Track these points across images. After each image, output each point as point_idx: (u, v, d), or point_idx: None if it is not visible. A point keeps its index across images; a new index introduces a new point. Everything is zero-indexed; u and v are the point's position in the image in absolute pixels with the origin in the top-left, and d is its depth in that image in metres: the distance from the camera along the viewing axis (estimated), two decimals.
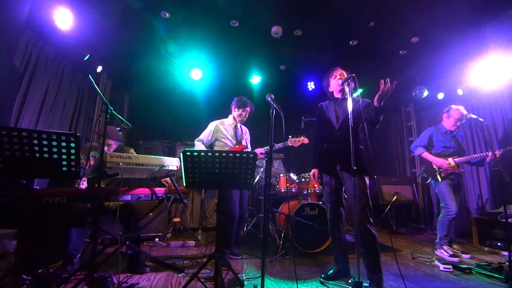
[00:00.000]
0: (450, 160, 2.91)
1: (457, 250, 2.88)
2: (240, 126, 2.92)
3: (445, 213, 2.85)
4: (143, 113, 4.80)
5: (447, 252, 2.74)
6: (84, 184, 2.16)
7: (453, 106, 3.05)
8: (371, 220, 1.89)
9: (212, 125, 2.79)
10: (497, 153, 2.71)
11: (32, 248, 1.97)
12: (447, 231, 2.84)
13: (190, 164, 1.66)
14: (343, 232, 2.18)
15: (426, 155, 3.08)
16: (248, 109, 2.81)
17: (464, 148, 3.06)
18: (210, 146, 2.78)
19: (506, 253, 2.81)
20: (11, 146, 1.34)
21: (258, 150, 2.76)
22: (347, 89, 2.15)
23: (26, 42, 2.78)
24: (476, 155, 2.90)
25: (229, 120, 2.87)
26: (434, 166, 3.01)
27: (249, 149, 2.98)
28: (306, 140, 2.95)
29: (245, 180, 1.76)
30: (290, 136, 2.93)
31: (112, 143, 2.47)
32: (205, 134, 2.76)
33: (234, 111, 2.82)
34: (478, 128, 3.94)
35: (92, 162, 2.16)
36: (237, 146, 2.78)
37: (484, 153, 2.86)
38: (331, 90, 2.28)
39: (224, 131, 2.76)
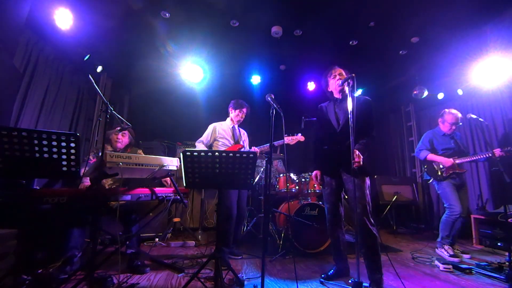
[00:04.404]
0: (454, 161, 2.92)
1: (457, 250, 2.87)
2: (238, 128, 3.00)
3: (449, 213, 2.82)
4: (143, 113, 4.79)
5: (448, 252, 2.73)
6: (87, 181, 2.17)
7: (447, 110, 3.05)
8: (372, 221, 1.89)
9: (210, 127, 2.90)
10: (497, 153, 2.68)
11: (32, 248, 1.97)
12: (449, 232, 2.81)
13: (190, 164, 1.66)
14: (342, 232, 2.18)
15: (432, 156, 3.06)
16: (244, 109, 2.92)
17: (463, 149, 3.05)
18: (210, 146, 2.87)
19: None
20: (11, 146, 1.34)
21: (253, 149, 2.83)
22: (346, 89, 2.15)
23: (26, 42, 2.78)
24: (479, 156, 2.85)
25: (227, 122, 2.97)
26: (436, 167, 3.01)
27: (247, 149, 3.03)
28: (302, 138, 2.97)
29: (245, 180, 1.76)
30: (285, 135, 2.94)
31: (126, 132, 2.55)
32: (205, 136, 2.87)
33: (231, 113, 2.94)
34: (478, 128, 3.93)
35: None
36: (233, 146, 2.85)
37: (487, 154, 2.78)
38: (330, 90, 2.27)
39: (222, 132, 2.86)
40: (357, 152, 1.87)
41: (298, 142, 3.00)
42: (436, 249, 2.89)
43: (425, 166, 3.14)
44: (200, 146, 2.81)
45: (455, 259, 2.63)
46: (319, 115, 2.32)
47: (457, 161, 2.91)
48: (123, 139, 2.51)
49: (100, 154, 2.16)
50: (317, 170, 2.26)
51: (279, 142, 2.91)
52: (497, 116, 3.73)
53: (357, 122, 1.96)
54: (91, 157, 2.22)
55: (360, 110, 1.98)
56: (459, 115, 2.98)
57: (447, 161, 2.94)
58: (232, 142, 2.86)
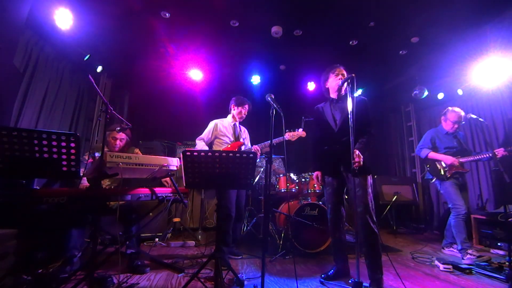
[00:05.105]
0: (457, 160, 2.89)
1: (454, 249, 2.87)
2: (239, 125, 2.97)
3: (455, 214, 2.76)
4: (143, 113, 4.80)
5: (473, 255, 2.59)
6: (85, 182, 2.17)
7: (450, 108, 3.03)
8: (374, 219, 1.90)
9: (211, 124, 2.87)
10: (500, 153, 2.67)
11: (32, 248, 1.97)
12: (465, 233, 2.70)
13: (190, 164, 1.66)
14: (343, 232, 2.18)
15: (433, 154, 3.03)
16: (246, 106, 2.90)
17: (466, 148, 3.03)
18: (211, 144, 2.85)
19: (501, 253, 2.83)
20: (11, 146, 1.34)
21: (254, 147, 2.81)
22: (343, 89, 2.15)
23: (26, 42, 2.78)
24: (482, 156, 2.82)
25: (228, 119, 2.94)
26: (438, 166, 3.00)
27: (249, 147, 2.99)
28: (303, 134, 2.89)
29: (245, 180, 1.76)
30: (287, 130, 2.87)
31: (124, 137, 2.52)
32: (206, 133, 2.84)
33: (233, 110, 2.90)
34: (478, 128, 3.93)
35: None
36: (234, 143, 2.83)
37: (490, 154, 2.75)
38: (327, 86, 2.27)
39: (223, 129, 2.83)
40: (357, 152, 1.87)
41: (298, 142, 2.96)
42: (463, 260, 2.61)
43: (428, 165, 3.10)
44: (200, 143, 2.78)
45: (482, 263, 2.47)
46: (316, 116, 2.33)
47: (461, 160, 2.88)
48: (121, 144, 2.50)
49: (96, 154, 2.16)
50: (317, 171, 2.26)
51: (279, 139, 2.81)
52: (497, 116, 3.73)
53: (357, 122, 1.96)
54: (86, 157, 2.20)
55: (356, 109, 1.99)
56: (462, 113, 2.94)
57: (448, 159, 2.92)
58: (232, 139, 2.84)
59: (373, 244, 1.89)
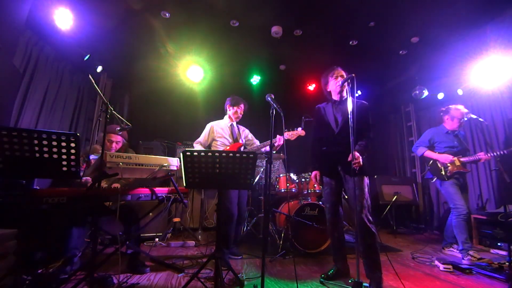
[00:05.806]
0: (455, 159, 2.88)
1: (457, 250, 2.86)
2: (237, 125, 2.95)
3: (456, 214, 2.74)
4: (143, 113, 4.80)
5: (474, 257, 2.57)
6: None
7: (452, 107, 3.01)
8: (370, 219, 1.91)
9: (207, 127, 2.85)
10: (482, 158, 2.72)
11: (32, 248, 1.97)
12: (466, 233, 2.68)
13: (190, 164, 1.66)
14: (342, 232, 2.18)
15: (429, 153, 3.03)
16: (242, 105, 2.86)
17: (467, 148, 3.02)
18: (209, 147, 2.83)
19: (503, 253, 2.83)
20: (11, 146, 1.34)
21: (280, 138, 2.66)
22: (344, 90, 2.15)
23: (26, 42, 2.78)
24: (484, 156, 2.82)
25: (225, 120, 2.92)
26: (439, 165, 2.98)
27: (256, 142, 2.97)
28: (302, 132, 2.86)
29: (245, 180, 1.76)
30: (286, 130, 2.86)
31: (120, 140, 2.52)
32: (202, 136, 2.82)
33: (229, 110, 2.88)
34: (478, 128, 3.93)
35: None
36: (232, 145, 2.80)
37: (489, 154, 2.77)
38: (329, 90, 2.27)
39: (220, 131, 2.81)
40: (357, 154, 1.88)
41: (299, 142, 2.95)
42: (463, 260, 2.62)
43: (430, 164, 3.07)
44: (198, 147, 2.76)
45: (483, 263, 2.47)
46: (317, 116, 2.31)
47: (461, 159, 2.86)
48: (117, 146, 2.50)
49: (90, 157, 2.16)
50: (316, 171, 2.27)
51: (279, 139, 2.80)
52: (497, 116, 3.73)
53: (357, 123, 1.96)
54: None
55: (357, 113, 1.99)
56: (465, 110, 2.92)
57: (444, 158, 2.91)
58: (230, 140, 2.81)
59: (370, 244, 1.89)
